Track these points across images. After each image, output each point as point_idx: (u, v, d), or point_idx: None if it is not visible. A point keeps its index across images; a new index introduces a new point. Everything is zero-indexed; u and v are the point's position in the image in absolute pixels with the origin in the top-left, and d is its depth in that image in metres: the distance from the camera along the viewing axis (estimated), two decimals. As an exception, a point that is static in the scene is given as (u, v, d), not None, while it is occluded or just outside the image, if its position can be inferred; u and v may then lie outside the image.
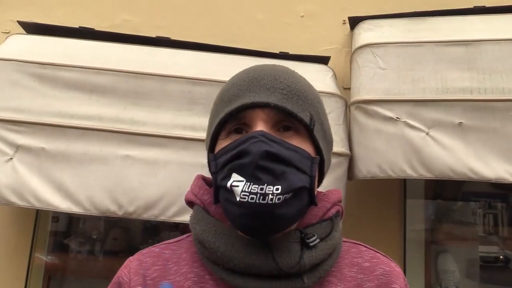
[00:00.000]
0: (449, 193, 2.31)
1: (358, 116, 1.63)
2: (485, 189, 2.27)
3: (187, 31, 2.08)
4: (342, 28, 2.13)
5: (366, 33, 1.75)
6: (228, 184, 0.70)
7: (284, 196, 0.69)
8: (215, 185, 0.74)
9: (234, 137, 0.75)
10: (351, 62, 1.81)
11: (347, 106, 1.75)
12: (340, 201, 0.85)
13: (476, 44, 1.58)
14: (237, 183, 0.70)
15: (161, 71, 1.63)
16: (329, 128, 0.84)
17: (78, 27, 1.89)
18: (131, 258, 0.84)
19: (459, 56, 1.58)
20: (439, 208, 2.30)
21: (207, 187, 0.84)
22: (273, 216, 0.69)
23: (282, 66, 0.83)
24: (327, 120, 0.84)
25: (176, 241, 0.87)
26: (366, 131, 1.58)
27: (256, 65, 0.83)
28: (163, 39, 1.86)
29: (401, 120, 1.55)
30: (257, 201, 0.68)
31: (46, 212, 2.19)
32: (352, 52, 1.79)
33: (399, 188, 2.02)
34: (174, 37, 1.90)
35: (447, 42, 1.61)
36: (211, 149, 0.80)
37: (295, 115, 0.74)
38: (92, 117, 1.57)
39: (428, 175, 1.52)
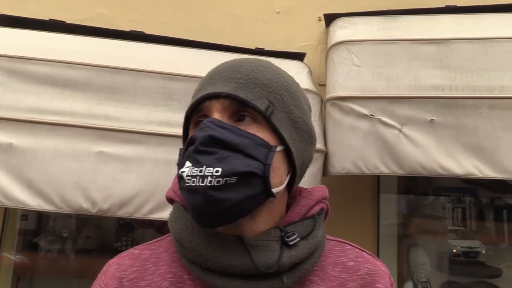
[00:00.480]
0: (421, 188, 2.37)
1: (333, 112, 1.65)
2: (455, 183, 2.34)
3: (162, 26, 2.05)
4: (318, 25, 2.14)
5: (341, 31, 1.77)
6: (180, 171, 0.71)
7: (225, 179, 0.67)
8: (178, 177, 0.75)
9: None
10: (326, 59, 1.83)
11: (323, 102, 1.77)
12: (325, 198, 0.84)
13: (447, 43, 1.62)
14: (185, 169, 0.70)
15: (135, 66, 1.60)
16: (304, 118, 0.81)
17: (48, 19, 1.83)
18: (110, 261, 0.83)
19: (432, 54, 1.61)
20: (411, 202, 2.36)
21: None
22: (212, 199, 0.67)
23: (253, 58, 0.82)
24: (301, 109, 0.81)
25: (157, 241, 0.86)
26: (341, 127, 1.60)
27: (227, 61, 0.83)
28: (137, 34, 1.83)
29: (375, 117, 1.58)
30: (197, 183, 0.67)
31: (14, 210, 2.13)
32: (328, 49, 1.80)
33: (373, 183, 2.06)
34: (149, 31, 1.87)
35: (420, 40, 1.64)
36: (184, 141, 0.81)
37: (248, 102, 0.73)
38: (64, 112, 1.52)
39: (399, 172, 1.55)
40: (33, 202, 1.50)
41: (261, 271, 0.70)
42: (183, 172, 0.70)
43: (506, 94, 1.51)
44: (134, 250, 0.83)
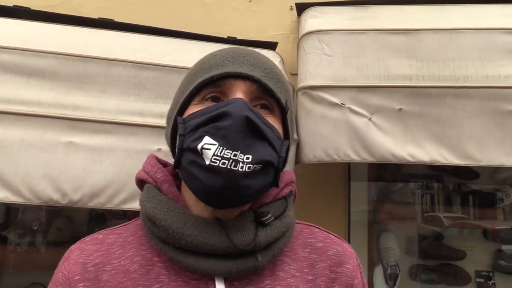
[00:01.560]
0: (390, 175, 2.43)
1: (304, 101, 1.67)
2: (422, 170, 2.42)
3: (132, 14, 2.01)
4: (290, 14, 2.15)
5: (312, 20, 1.78)
6: (199, 146, 0.68)
7: (254, 166, 0.68)
8: (180, 148, 0.72)
9: (209, 104, 0.75)
10: (298, 48, 1.84)
11: (294, 92, 1.78)
12: (293, 182, 0.87)
13: (415, 33, 1.66)
14: (209, 146, 0.68)
15: (105, 55, 1.57)
16: (294, 120, 0.87)
17: (12, 6, 1.77)
18: (72, 247, 0.81)
19: (400, 44, 1.65)
20: (381, 189, 2.42)
21: (160, 166, 0.83)
22: (241, 186, 0.68)
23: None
24: (294, 112, 0.87)
25: (122, 226, 0.85)
26: (312, 116, 1.62)
27: (237, 46, 0.85)
28: (106, 21, 1.79)
29: (345, 106, 1.60)
30: (228, 166, 0.67)
31: (-19, 203, 2.06)
32: (299, 39, 1.81)
33: (344, 171, 2.10)
34: (118, 19, 1.83)
35: (389, 30, 1.67)
36: (179, 113, 0.78)
37: (275, 93, 0.76)
38: (31, 102, 1.48)
39: (370, 159, 1.58)
40: (0, 194, 1.46)
41: (239, 249, 0.71)
42: (207, 149, 0.68)
43: (469, 84, 1.57)
44: (98, 235, 0.82)
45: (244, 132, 0.68)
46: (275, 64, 0.83)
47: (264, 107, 0.77)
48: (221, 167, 0.67)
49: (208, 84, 0.75)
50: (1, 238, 2.29)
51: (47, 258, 2.26)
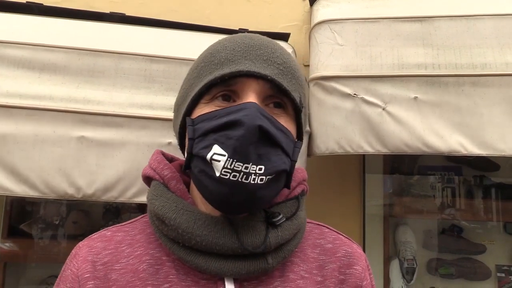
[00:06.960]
0: (406, 167, 2.38)
1: (316, 92, 1.63)
2: (439, 162, 2.36)
3: (143, 7, 2.01)
4: (302, 5, 2.12)
5: (324, 9, 1.74)
6: (208, 156, 0.66)
7: (267, 177, 0.67)
8: (189, 152, 0.70)
9: (219, 103, 0.71)
10: (310, 38, 1.81)
11: (307, 82, 1.76)
12: (305, 180, 0.85)
13: (430, 20, 1.61)
14: (219, 157, 0.65)
15: (115, 48, 1.57)
16: (307, 114, 0.84)
17: (25, 1, 1.79)
18: (80, 244, 0.80)
19: (415, 32, 1.60)
20: (397, 182, 2.37)
21: (167, 162, 0.81)
22: (254, 197, 0.67)
23: (273, 40, 0.80)
24: (307, 105, 0.84)
25: (130, 223, 0.84)
26: (325, 107, 1.59)
27: (249, 33, 0.80)
28: (117, 15, 1.79)
29: (358, 96, 1.57)
30: (239, 179, 0.65)
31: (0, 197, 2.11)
32: (311, 29, 1.78)
33: (358, 163, 2.07)
34: (129, 13, 1.84)
35: (403, 18, 1.62)
36: (187, 112, 0.75)
37: (289, 93, 0.72)
38: (43, 96, 1.50)
39: (383, 150, 1.55)
40: (18, 188, 1.49)
41: (248, 250, 0.70)
42: (216, 160, 0.65)
43: (488, 72, 1.51)
44: (106, 232, 0.81)
45: (256, 142, 0.66)
46: (289, 55, 0.78)
47: (278, 105, 0.74)
48: (232, 179, 0.65)
49: (218, 82, 0.71)
50: (21, 232, 2.33)
51: (64, 252, 2.30)
